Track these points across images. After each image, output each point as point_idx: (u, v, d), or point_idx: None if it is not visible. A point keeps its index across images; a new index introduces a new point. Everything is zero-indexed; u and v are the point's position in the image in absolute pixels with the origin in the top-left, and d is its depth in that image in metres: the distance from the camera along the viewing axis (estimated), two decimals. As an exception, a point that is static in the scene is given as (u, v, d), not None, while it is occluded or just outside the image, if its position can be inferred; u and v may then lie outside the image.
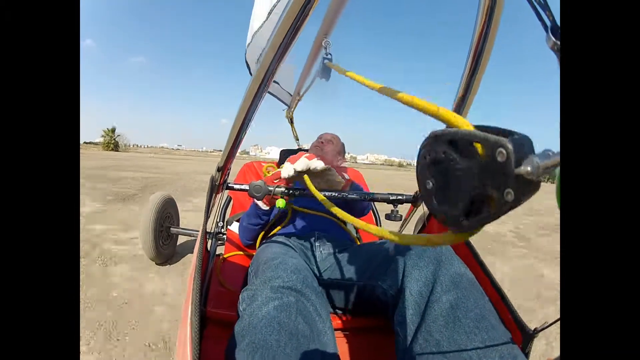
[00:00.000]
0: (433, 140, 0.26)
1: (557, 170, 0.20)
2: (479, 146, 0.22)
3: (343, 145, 1.29)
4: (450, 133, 0.24)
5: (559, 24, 0.30)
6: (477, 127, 0.24)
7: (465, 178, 0.24)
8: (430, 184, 0.27)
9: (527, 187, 0.20)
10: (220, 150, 0.86)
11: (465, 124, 0.25)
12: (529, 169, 0.19)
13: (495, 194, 0.21)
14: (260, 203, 0.92)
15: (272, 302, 0.52)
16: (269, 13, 0.69)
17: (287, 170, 0.81)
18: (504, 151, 0.20)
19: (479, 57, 0.68)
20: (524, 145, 0.20)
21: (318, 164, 0.79)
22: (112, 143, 33.01)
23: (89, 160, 10.52)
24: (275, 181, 0.86)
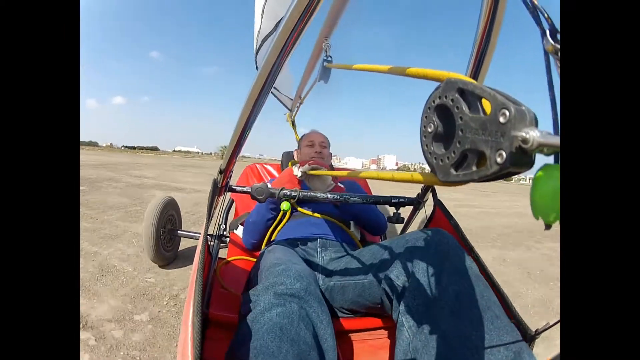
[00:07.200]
0: (446, 84, 0.27)
1: (534, 176, 0.21)
2: (486, 105, 0.23)
3: (327, 139, 1.33)
4: (463, 82, 0.26)
5: (557, 27, 0.30)
6: None
7: (464, 129, 0.25)
8: (432, 126, 0.29)
9: (519, 156, 0.21)
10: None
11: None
12: (525, 134, 0.20)
13: (488, 152, 0.22)
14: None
15: (274, 309, 0.52)
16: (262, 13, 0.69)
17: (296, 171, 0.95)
18: (507, 113, 0.21)
19: (480, 60, 0.68)
20: (526, 116, 0.21)
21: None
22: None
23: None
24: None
